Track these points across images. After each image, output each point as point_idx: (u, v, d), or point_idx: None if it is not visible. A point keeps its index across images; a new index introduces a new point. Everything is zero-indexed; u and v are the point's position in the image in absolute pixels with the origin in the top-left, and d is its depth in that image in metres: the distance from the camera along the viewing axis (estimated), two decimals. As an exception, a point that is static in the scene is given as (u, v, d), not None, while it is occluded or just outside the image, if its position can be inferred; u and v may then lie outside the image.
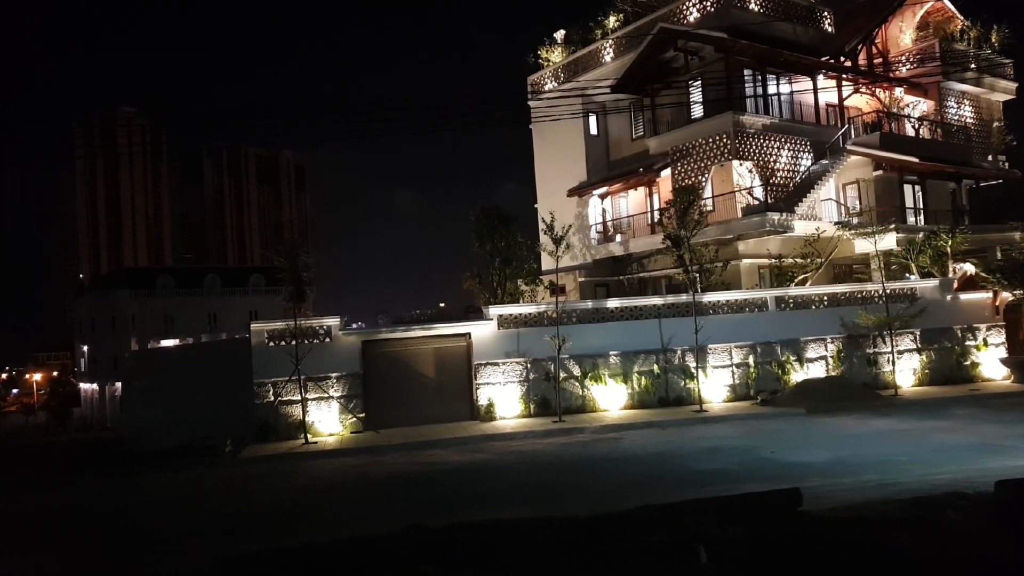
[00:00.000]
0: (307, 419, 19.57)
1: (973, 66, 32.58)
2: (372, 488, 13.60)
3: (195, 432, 19.97)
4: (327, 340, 20.50)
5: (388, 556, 6.02)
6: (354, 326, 25.31)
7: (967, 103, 33.47)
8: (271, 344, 20.17)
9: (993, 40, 34.53)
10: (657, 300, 22.41)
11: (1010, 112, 35.65)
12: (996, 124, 34.63)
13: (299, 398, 19.75)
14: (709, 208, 25.58)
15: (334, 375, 20.34)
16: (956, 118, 32.80)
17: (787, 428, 17.20)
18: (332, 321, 20.71)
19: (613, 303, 22.19)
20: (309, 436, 19.11)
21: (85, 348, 72.19)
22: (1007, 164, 34.36)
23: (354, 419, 20.15)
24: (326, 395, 20.16)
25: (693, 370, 21.48)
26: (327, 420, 20.02)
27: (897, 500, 9.62)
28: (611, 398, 21.13)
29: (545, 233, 20.89)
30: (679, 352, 21.73)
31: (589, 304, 22.17)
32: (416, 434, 18.97)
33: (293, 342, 19.57)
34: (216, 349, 22.46)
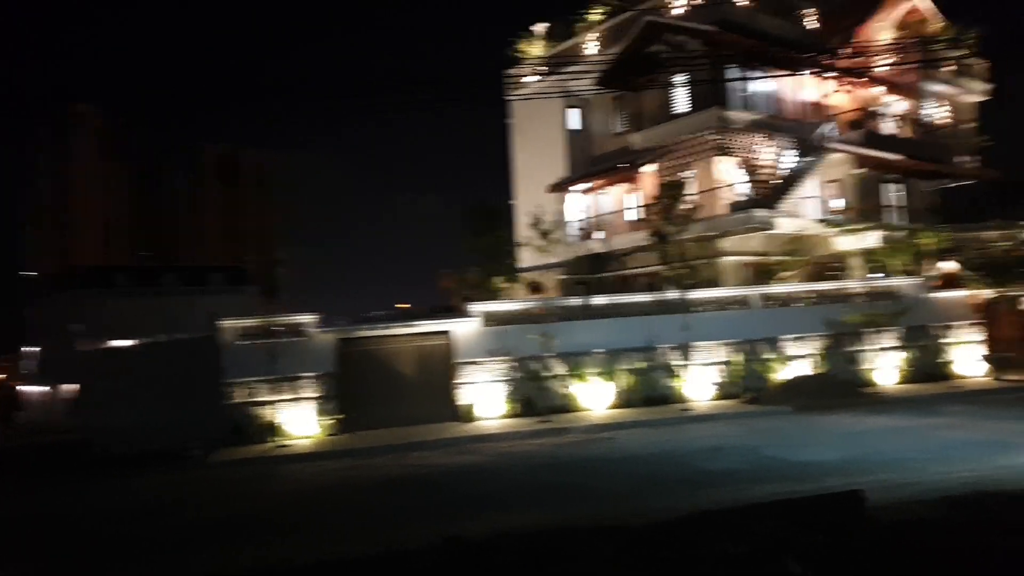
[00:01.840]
0: (281, 421, 18.62)
1: (950, 67, 32.70)
2: (363, 493, 12.76)
3: (159, 435, 18.85)
4: (302, 338, 19.57)
5: (428, 573, 5.29)
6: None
7: (944, 103, 33.62)
8: (242, 342, 19.17)
9: (968, 42, 34.77)
10: (643, 297, 21.89)
11: (984, 113, 35.95)
12: (971, 125, 34.88)
13: (273, 399, 18.79)
14: (692, 205, 25.09)
15: (309, 375, 19.38)
16: (933, 118, 32.90)
17: (782, 426, 16.73)
18: (307, 318, 19.77)
19: (599, 300, 21.59)
20: (283, 439, 18.17)
21: (36, 349, 69.57)
22: (980, 164, 34.60)
23: (330, 421, 19.22)
24: (301, 396, 19.21)
25: (678, 368, 21.01)
26: (302, 422, 19.05)
27: (933, 501, 9.12)
28: (596, 397, 20.53)
29: (531, 227, 20.17)
30: (664, 350, 21.22)
31: (576, 301, 21.54)
32: (397, 436, 18.13)
33: (266, 340, 18.62)
34: (181, 348, 21.31)
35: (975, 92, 34.98)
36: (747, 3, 27.55)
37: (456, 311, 23.86)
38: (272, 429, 18.51)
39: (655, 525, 6.22)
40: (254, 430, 18.69)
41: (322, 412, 19.21)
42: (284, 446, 17.72)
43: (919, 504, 9.08)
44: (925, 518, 7.77)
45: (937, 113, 33.39)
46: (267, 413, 18.83)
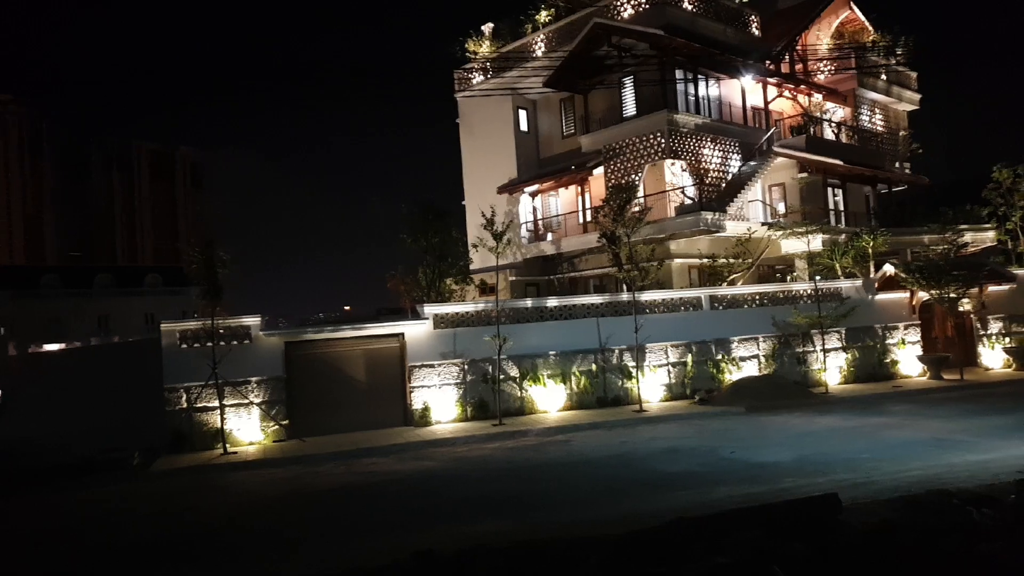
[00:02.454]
0: (225, 427, 17.97)
1: (884, 77, 33.71)
2: (316, 503, 12.32)
3: (93, 443, 18.01)
4: (247, 341, 18.93)
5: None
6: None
7: (878, 112, 34.63)
8: (184, 346, 18.43)
9: (899, 54, 35.94)
10: (596, 299, 21.88)
11: (914, 122, 37.20)
12: (902, 133, 36.02)
13: (216, 404, 18.12)
14: (641, 207, 25.25)
15: (255, 379, 18.79)
16: (869, 125, 33.86)
17: (736, 427, 16.88)
18: (252, 320, 19.14)
19: (552, 302, 21.49)
20: (228, 446, 17.53)
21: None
22: (910, 171, 35.77)
23: (277, 426, 18.66)
24: (246, 401, 18.59)
25: (631, 369, 21.08)
26: (247, 428, 18.45)
27: (891, 500, 9.24)
28: (550, 399, 20.44)
29: (485, 228, 19.94)
30: (617, 352, 21.28)
31: (528, 303, 21.40)
32: (347, 441, 17.70)
33: (209, 344, 17.95)
34: (117, 352, 20.45)
35: (906, 102, 36.18)
36: (691, 9, 27.83)
37: (404, 313, 23.49)
38: (216, 436, 17.85)
39: (633, 535, 6.06)
40: (197, 437, 18.02)
41: (268, 418, 18.64)
42: (229, 453, 17.09)
43: (878, 504, 9.16)
44: (889, 520, 7.81)
45: (873, 121, 34.37)
46: (211, 419, 18.17)
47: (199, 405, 18.20)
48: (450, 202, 28.71)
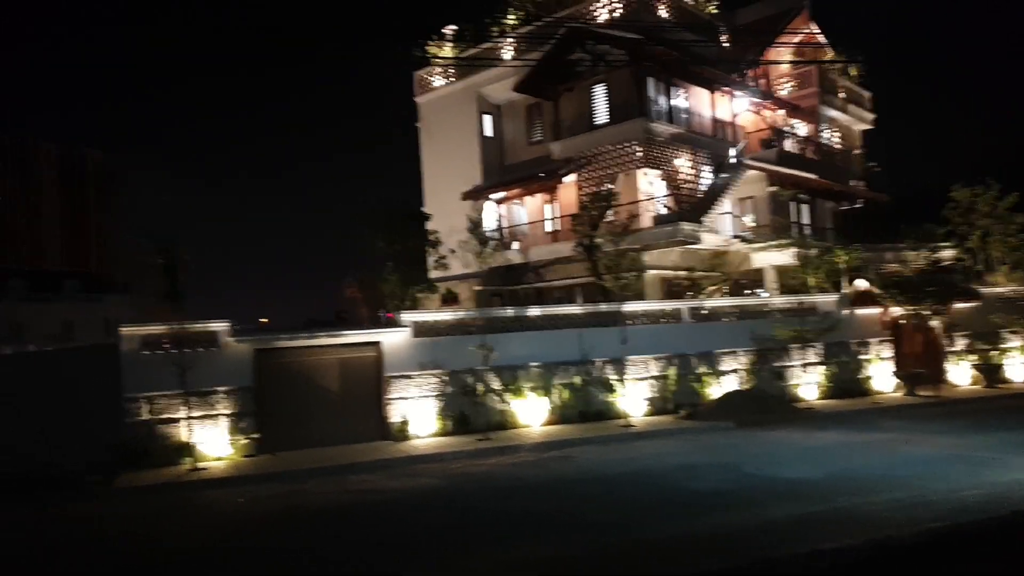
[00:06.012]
0: (191, 440, 16.43)
1: (842, 95, 34.30)
2: (315, 525, 11.05)
3: (31, 458, 16.12)
4: (214, 348, 17.43)
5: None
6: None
7: (836, 130, 35.21)
8: (145, 352, 16.83)
9: (852, 73, 36.75)
10: (577, 309, 21.19)
11: (867, 141, 38.04)
12: (856, 151, 36.74)
13: (181, 416, 16.58)
14: (616, 216, 24.70)
15: (222, 389, 17.28)
16: (831, 143, 34.36)
17: (737, 443, 16.32)
18: (220, 326, 17.63)
19: (535, 311, 20.65)
20: (194, 460, 15.99)
21: None
22: (866, 188, 36.48)
23: (246, 440, 17.18)
24: (213, 412, 17.08)
25: (614, 383, 20.42)
26: (214, 441, 16.92)
27: (979, 521, 8.71)
28: (531, 413, 19.54)
29: (470, 231, 18.98)
30: (599, 364, 20.57)
31: (511, 312, 20.47)
32: (323, 457, 16.40)
33: (173, 350, 16.40)
34: (71, 359, 18.60)
35: (861, 121, 36.95)
36: (666, 17, 27.62)
37: (364, 322, 22.24)
38: (181, 450, 16.31)
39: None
40: (159, 451, 16.39)
41: (237, 430, 17.17)
42: (198, 469, 15.59)
43: (972, 526, 8.60)
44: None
45: (833, 138, 34.92)
46: (175, 432, 16.60)
47: (162, 416, 16.62)
48: (410, 207, 27.24)
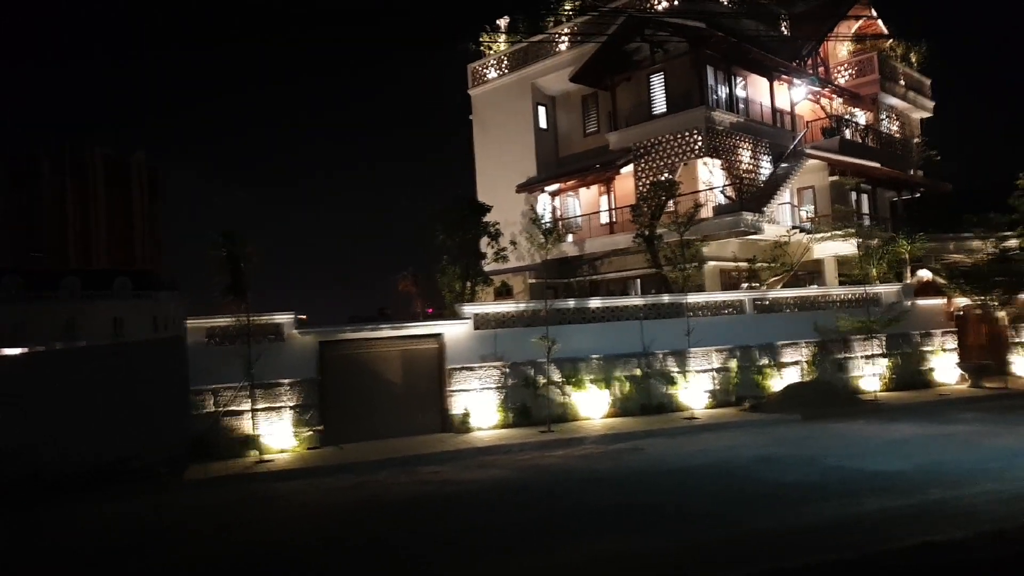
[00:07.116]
0: (256, 433, 16.54)
1: (903, 82, 33.35)
2: (399, 516, 10.95)
3: (101, 451, 16.33)
4: (279, 341, 17.53)
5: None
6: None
7: (896, 118, 34.27)
8: (211, 344, 17.00)
9: (913, 60, 35.72)
10: (638, 300, 20.88)
11: (927, 129, 36.95)
12: (916, 140, 35.72)
13: (246, 408, 16.70)
14: (693, 205, 24.20)
15: (286, 381, 17.37)
16: (888, 131, 33.45)
17: (810, 435, 15.89)
18: (284, 318, 17.72)
19: (595, 303, 20.41)
20: (259, 452, 16.10)
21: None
22: (924, 176, 35.46)
23: (310, 432, 17.25)
24: (277, 404, 17.18)
25: (675, 375, 20.11)
26: (278, 434, 17.01)
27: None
28: (592, 405, 19.33)
29: (534, 223, 18.79)
30: (660, 356, 20.27)
31: (571, 303, 20.26)
32: (388, 448, 16.38)
33: (239, 342, 16.51)
34: (139, 352, 18.80)
35: (922, 109, 35.91)
36: (726, 4, 27.09)
37: (421, 316, 22.18)
38: (246, 442, 16.43)
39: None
40: (225, 443, 16.54)
41: (301, 422, 17.24)
42: (264, 461, 15.66)
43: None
44: None
45: (890, 127, 33.99)
46: (240, 424, 16.74)
47: (228, 409, 16.76)
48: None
